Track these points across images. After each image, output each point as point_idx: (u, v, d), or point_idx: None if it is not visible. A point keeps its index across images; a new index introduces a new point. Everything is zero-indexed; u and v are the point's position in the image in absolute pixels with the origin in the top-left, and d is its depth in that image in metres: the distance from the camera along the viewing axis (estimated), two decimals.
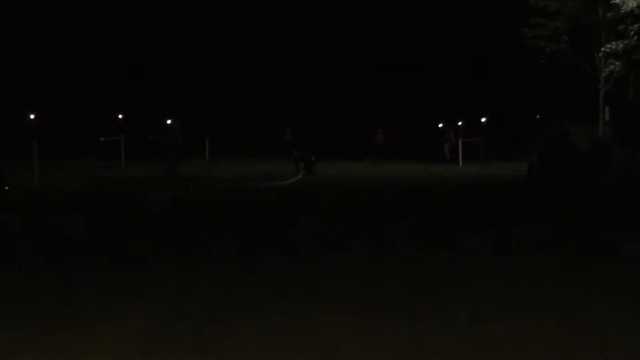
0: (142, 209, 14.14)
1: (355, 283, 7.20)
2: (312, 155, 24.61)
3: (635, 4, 22.48)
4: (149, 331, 5.50)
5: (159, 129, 23.93)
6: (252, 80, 50.17)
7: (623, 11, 22.78)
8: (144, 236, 10.47)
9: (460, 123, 35.70)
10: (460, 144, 31.41)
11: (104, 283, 7.15)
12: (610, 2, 23.11)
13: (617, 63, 24.02)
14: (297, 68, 50.66)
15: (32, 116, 29.99)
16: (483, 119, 36.66)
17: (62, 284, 7.10)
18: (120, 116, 40.40)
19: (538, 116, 35.59)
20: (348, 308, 6.18)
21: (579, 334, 5.43)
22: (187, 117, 42.42)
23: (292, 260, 8.48)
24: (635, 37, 23.26)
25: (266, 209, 14.37)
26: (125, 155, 26.96)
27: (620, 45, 23.51)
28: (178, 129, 23.54)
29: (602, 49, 23.98)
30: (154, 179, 21.58)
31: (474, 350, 5.09)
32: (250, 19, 51.21)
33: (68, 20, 44.35)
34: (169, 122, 23.65)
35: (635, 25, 23.15)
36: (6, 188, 17.56)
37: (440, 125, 36.20)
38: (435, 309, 6.17)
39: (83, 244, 9.70)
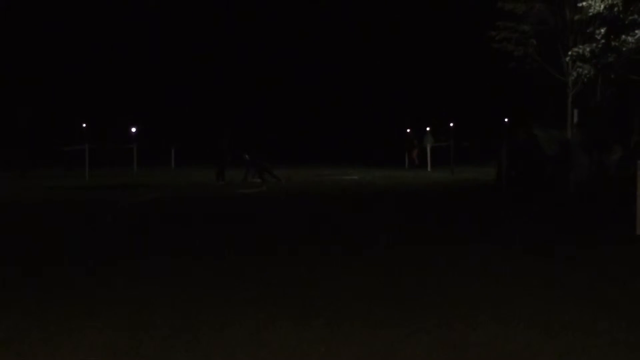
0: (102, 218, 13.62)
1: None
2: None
3: (602, 7, 22.53)
4: None
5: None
6: (217, 87, 49.69)
7: (590, 14, 22.83)
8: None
9: (428, 128, 35.57)
10: (428, 149, 31.27)
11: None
12: (578, 5, 23.14)
13: (584, 66, 24.04)
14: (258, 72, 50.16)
15: None
16: (451, 124, 36.56)
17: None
18: (84, 125, 39.60)
19: (506, 120, 35.60)
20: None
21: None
22: (153, 124, 42.07)
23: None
24: (603, 41, 23.29)
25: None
26: (90, 164, 26.22)
27: (588, 49, 23.53)
28: (228, 136, 24.00)
29: (570, 52, 23.99)
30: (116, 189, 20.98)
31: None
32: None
33: (26, 23, 43.64)
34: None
35: (602, 29, 23.18)
36: None
37: (408, 130, 36.09)
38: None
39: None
